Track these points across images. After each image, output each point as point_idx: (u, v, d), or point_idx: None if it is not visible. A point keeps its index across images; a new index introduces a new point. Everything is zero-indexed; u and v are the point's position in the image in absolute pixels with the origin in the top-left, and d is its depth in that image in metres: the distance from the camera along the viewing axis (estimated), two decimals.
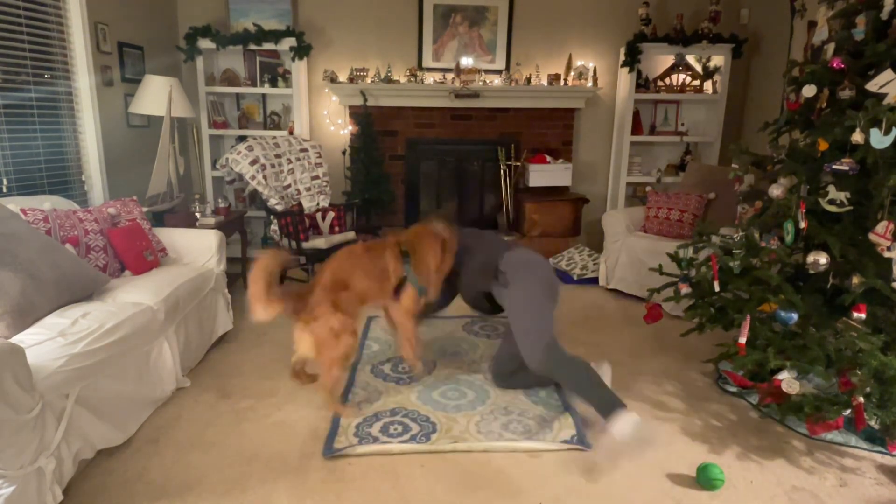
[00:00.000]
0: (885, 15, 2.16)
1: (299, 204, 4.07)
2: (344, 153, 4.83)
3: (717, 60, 4.86)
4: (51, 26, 3.17)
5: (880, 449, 2.19)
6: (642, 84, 4.95)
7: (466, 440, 2.19)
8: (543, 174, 4.82)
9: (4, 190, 2.87)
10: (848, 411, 2.08)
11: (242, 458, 2.10)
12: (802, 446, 2.22)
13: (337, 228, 4.09)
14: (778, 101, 4.50)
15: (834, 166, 2.16)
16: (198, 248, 3.08)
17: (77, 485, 1.92)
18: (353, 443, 2.16)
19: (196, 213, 3.72)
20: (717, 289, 2.51)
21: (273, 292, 2.21)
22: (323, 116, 4.89)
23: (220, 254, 3.11)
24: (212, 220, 3.60)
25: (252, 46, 4.46)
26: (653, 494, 1.93)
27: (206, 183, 4.68)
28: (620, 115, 5.05)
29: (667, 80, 5.00)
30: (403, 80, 4.72)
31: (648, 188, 4.73)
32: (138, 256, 2.76)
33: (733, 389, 2.62)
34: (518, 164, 4.94)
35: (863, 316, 2.13)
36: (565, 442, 2.19)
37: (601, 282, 4.23)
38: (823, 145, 2.22)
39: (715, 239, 2.64)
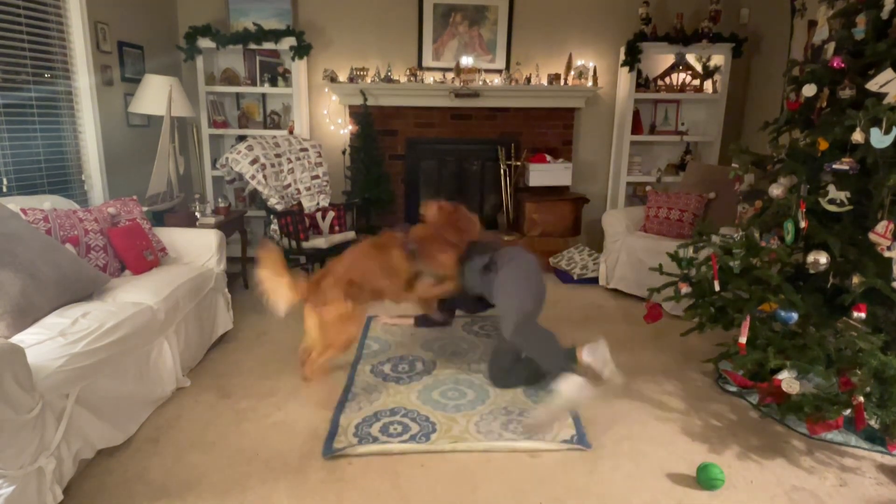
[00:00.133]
0: (885, 14, 2.16)
1: (299, 203, 4.07)
2: (344, 153, 4.82)
3: (717, 60, 4.86)
4: (51, 26, 3.17)
5: (880, 448, 2.19)
6: (642, 83, 4.94)
7: (466, 440, 2.19)
8: (543, 174, 4.81)
9: (4, 190, 2.87)
10: (848, 411, 2.08)
11: (242, 458, 2.10)
12: (802, 446, 2.22)
13: (337, 228, 4.09)
14: (778, 101, 4.50)
15: (834, 166, 2.16)
16: (198, 248, 3.09)
17: (77, 485, 1.92)
18: (353, 443, 2.16)
19: (196, 213, 3.72)
20: (717, 288, 2.51)
21: (289, 276, 2.33)
22: (323, 116, 4.88)
23: (220, 253, 3.12)
24: (212, 220, 3.60)
25: (252, 46, 4.46)
26: (653, 494, 1.93)
27: (206, 182, 4.68)
28: (620, 114, 5.04)
29: (667, 80, 4.99)
30: (403, 79, 4.72)
31: (648, 188, 4.74)
32: (138, 256, 2.76)
33: (733, 389, 2.62)
34: (518, 163, 4.93)
35: (863, 315, 2.13)
36: (565, 442, 2.19)
37: (601, 281, 4.23)
38: (823, 145, 2.22)
39: (715, 238, 2.64)
